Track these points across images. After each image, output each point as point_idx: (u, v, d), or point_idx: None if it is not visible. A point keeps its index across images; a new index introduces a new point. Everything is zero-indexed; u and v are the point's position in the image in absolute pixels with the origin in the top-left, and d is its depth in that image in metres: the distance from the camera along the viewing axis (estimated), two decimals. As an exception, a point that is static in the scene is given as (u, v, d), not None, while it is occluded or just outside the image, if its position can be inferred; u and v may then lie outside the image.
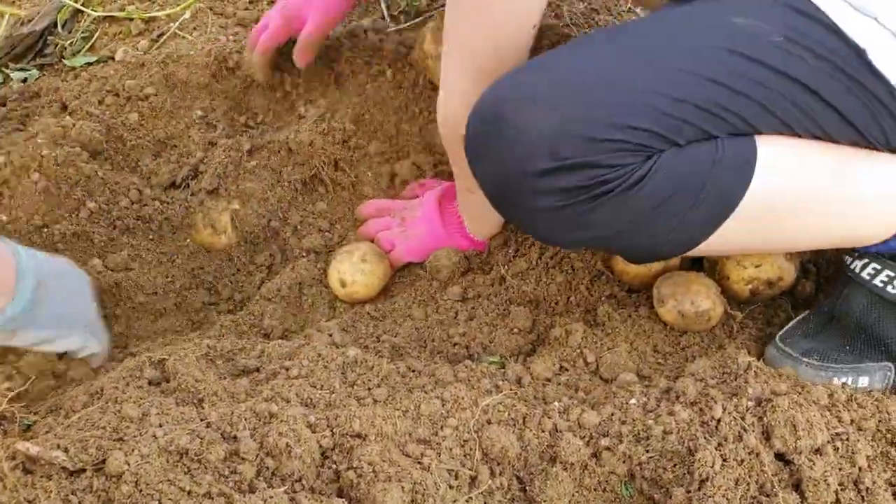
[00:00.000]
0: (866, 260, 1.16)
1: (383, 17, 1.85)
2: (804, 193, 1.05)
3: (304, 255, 1.56)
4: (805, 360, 1.16)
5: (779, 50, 0.99)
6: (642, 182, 0.98)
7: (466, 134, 1.06)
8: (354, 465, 0.98)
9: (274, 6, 1.64)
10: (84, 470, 0.94)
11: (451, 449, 1.03)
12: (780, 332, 1.22)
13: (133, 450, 0.95)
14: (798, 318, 1.25)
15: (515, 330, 1.31)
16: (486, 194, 1.09)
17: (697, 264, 1.35)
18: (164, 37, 1.83)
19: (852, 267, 1.18)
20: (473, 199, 1.30)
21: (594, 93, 0.98)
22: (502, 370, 1.21)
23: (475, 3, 1.06)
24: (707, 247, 1.07)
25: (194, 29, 1.84)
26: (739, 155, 1.01)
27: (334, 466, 0.99)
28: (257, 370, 1.20)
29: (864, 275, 1.16)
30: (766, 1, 1.02)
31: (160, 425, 1.01)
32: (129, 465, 0.93)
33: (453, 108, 1.17)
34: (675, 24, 1.04)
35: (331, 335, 1.33)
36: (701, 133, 0.99)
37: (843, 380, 1.14)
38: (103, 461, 0.94)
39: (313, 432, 1.01)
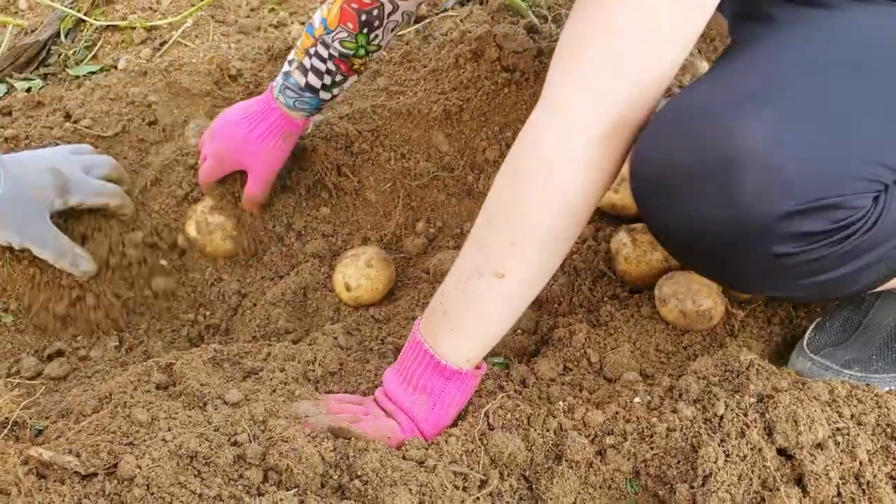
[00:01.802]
0: None
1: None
2: None
3: (309, 259, 1.58)
4: (847, 371, 1.17)
5: None
6: (875, 225, 0.93)
7: (663, 164, 0.93)
8: (359, 475, 0.99)
9: (206, 133, 1.57)
10: (96, 474, 0.95)
11: (454, 453, 1.04)
12: (805, 343, 1.22)
13: (144, 454, 0.96)
14: (814, 326, 1.25)
15: (519, 331, 1.32)
16: (683, 242, 0.98)
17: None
18: (167, 45, 1.85)
19: None
20: (487, 290, 1.03)
21: (834, 129, 0.90)
22: (506, 371, 1.22)
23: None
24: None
25: (196, 37, 1.86)
26: None
27: (337, 477, 1.00)
28: (261, 370, 1.21)
29: None
30: None
31: (169, 429, 1.02)
32: (140, 468, 0.94)
33: (568, 141, 0.97)
34: (851, 46, 0.97)
35: (336, 338, 1.34)
36: None
37: (887, 388, 1.14)
38: (115, 465, 0.95)
39: (315, 447, 1.01)
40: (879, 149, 0.92)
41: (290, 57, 1.47)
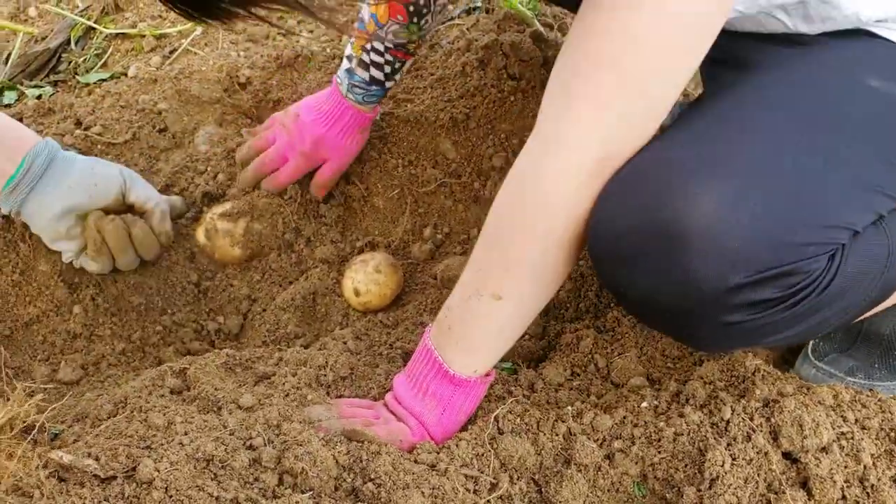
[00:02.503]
0: None
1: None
2: None
3: (318, 265, 1.59)
4: (851, 378, 1.20)
5: None
6: (831, 284, 0.92)
7: (616, 237, 0.94)
8: (372, 478, 1.01)
9: (279, 132, 1.57)
10: (115, 477, 0.97)
11: (465, 456, 1.06)
12: (810, 350, 1.24)
13: (162, 457, 0.98)
14: None
15: (527, 336, 1.34)
16: (639, 308, 1.00)
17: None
18: (176, 53, 1.86)
19: None
20: (486, 310, 1.05)
21: (790, 193, 0.89)
22: (515, 376, 1.24)
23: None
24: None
25: (205, 45, 1.88)
26: None
27: (350, 480, 1.02)
28: (274, 375, 1.23)
29: None
30: (882, 50, 0.98)
31: (186, 433, 1.04)
32: (158, 471, 0.96)
33: (567, 179, 0.97)
34: (820, 94, 0.97)
35: (345, 343, 1.36)
36: (874, 216, 0.96)
37: (890, 394, 1.16)
38: (133, 468, 0.97)
39: (329, 450, 1.03)
40: (838, 209, 0.92)
41: (347, 52, 1.50)
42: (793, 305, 0.92)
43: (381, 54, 1.47)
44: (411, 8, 1.42)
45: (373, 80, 1.49)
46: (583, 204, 0.98)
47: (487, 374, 1.13)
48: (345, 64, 1.50)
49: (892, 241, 0.97)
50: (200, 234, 1.58)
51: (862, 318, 1.09)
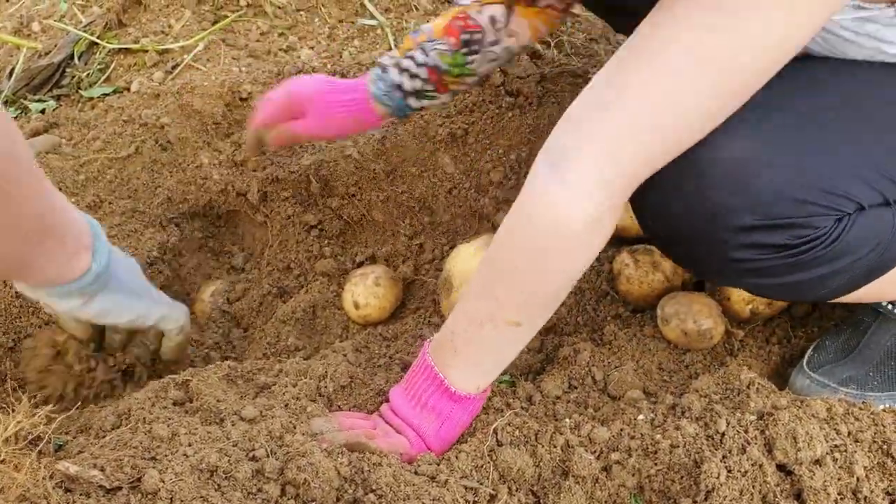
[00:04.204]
0: None
1: (390, 48, 1.91)
2: None
3: (318, 278, 1.61)
4: (843, 389, 1.22)
5: None
6: (835, 244, 1.01)
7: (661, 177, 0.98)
8: (373, 489, 1.02)
9: (282, 87, 1.52)
10: (120, 488, 0.97)
11: (464, 468, 1.07)
12: (805, 361, 1.27)
13: (166, 468, 0.99)
14: (815, 346, 1.30)
15: (525, 350, 1.35)
16: (661, 232, 1.07)
17: (699, 285, 1.40)
18: (179, 68, 1.88)
19: (885, 305, 1.26)
20: (501, 334, 1.08)
21: (805, 158, 0.98)
22: (513, 388, 1.25)
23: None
24: (846, 297, 1.11)
25: (208, 60, 1.90)
26: None
27: (352, 491, 1.03)
28: (274, 386, 1.24)
29: None
30: None
31: (189, 444, 1.05)
32: (163, 482, 0.97)
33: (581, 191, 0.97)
34: (851, 84, 1.05)
35: (345, 355, 1.38)
36: (883, 199, 1.03)
37: (882, 406, 1.19)
38: (138, 479, 0.98)
39: (331, 461, 1.04)
40: (850, 183, 0.99)
41: (391, 53, 1.47)
42: (798, 254, 1.00)
43: (418, 65, 1.43)
44: (465, 37, 1.41)
45: (399, 86, 1.44)
46: (604, 229, 1.01)
47: (484, 390, 1.15)
48: (385, 60, 1.46)
49: None
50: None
51: (856, 303, 1.15)
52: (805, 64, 1.03)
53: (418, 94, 1.45)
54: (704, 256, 1.04)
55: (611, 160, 0.95)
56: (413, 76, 1.44)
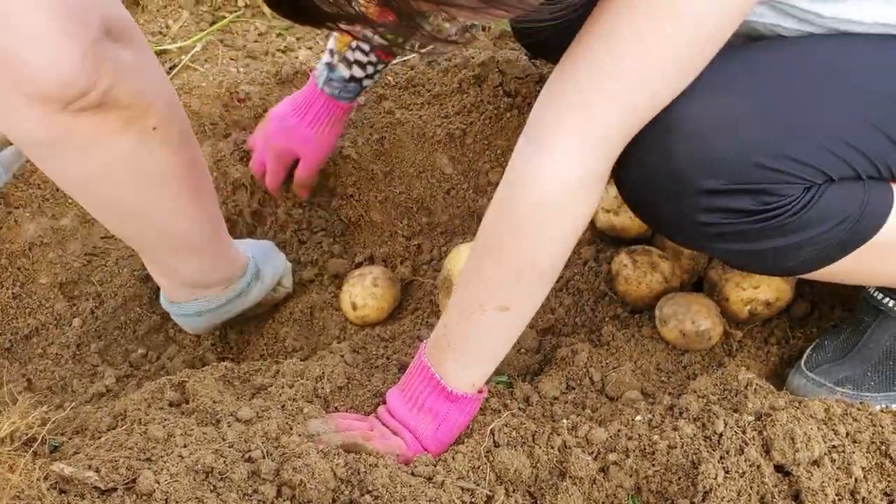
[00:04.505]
0: None
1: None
2: None
3: (315, 278, 1.61)
4: (840, 389, 1.21)
5: None
6: (802, 212, 1.00)
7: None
8: (369, 490, 1.02)
9: (257, 135, 1.62)
10: (115, 489, 0.97)
11: (461, 469, 1.07)
12: (803, 361, 1.26)
13: (162, 469, 0.99)
14: (814, 346, 1.29)
15: (522, 350, 1.35)
16: (632, 195, 1.06)
17: (698, 286, 1.40)
18: (176, 69, 1.88)
19: (886, 303, 1.24)
20: (492, 323, 1.08)
21: (773, 124, 0.98)
22: (511, 389, 1.25)
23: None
24: (821, 272, 1.10)
25: (205, 61, 1.90)
26: (882, 201, 1.04)
27: (348, 493, 1.03)
28: (270, 387, 1.24)
29: None
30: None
31: (185, 445, 1.05)
32: (158, 483, 0.96)
33: (566, 168, 0.98)
34: (819, 55, 1.04)
35: (343, 356, 1.37)
36: (853, 172, 1.02)
37: (878, 407, 1.18)
38: (133, 480, 0.98)
39: (327, 462, 1.03)
40: (816, 153, 0.98)
41: (330, 46, 1.50)
42: (765, 220, 0.99)
43: (366, 53, 1.48)
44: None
45: (352, 79, 1.50)
46: (591, 199, 1.01)
47: (480, 392, 1.15)
48: (326, 57, 1.51)
49: (871, 195, 1.03)
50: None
51: (855, 303, 1.13)
52: (784, 39, 1.05)
53: (371, 75, 1.52)
54: (680, 225, 1.04)
55: (590, 126, 0.96)
56: (363, 64, 1.49)
